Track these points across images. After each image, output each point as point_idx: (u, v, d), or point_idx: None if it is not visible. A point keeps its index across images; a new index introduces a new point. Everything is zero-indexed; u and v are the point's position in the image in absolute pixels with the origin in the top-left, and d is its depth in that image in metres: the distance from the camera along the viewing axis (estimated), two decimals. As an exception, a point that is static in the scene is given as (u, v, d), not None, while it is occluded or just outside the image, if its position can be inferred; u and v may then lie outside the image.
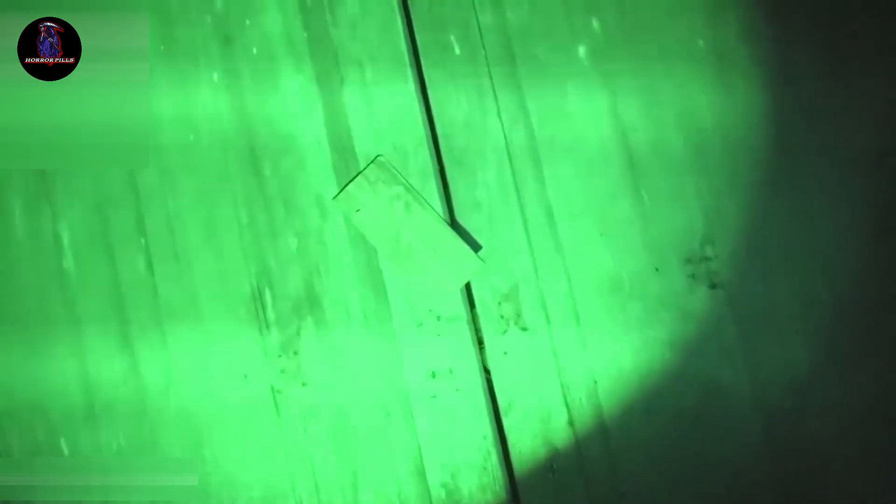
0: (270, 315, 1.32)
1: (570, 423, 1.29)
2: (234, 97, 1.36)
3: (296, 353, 1.31)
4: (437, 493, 1.28)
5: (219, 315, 1.32)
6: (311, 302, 1.32)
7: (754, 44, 1.32)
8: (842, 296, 1.27)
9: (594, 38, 1.34)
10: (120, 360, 1.32)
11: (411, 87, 1.34)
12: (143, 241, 1.34)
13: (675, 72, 1.33)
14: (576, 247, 1.31)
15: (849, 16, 1.31)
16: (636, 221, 1.31)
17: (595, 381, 1.29)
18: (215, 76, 1.36)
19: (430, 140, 1.34)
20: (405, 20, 1.36)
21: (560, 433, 1.28)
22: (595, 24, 1.34)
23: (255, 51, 1.37)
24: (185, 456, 1.30)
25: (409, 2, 1.36)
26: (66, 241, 1.35)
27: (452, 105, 1.34)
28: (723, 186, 1.30)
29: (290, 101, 1.35)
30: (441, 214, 1.31)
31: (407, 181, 1.33)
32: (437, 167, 1.33)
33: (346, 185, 1.33)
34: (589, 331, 1.30)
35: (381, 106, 1.34)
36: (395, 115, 1.34)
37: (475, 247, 1.31)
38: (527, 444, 1.29)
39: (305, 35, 1.36)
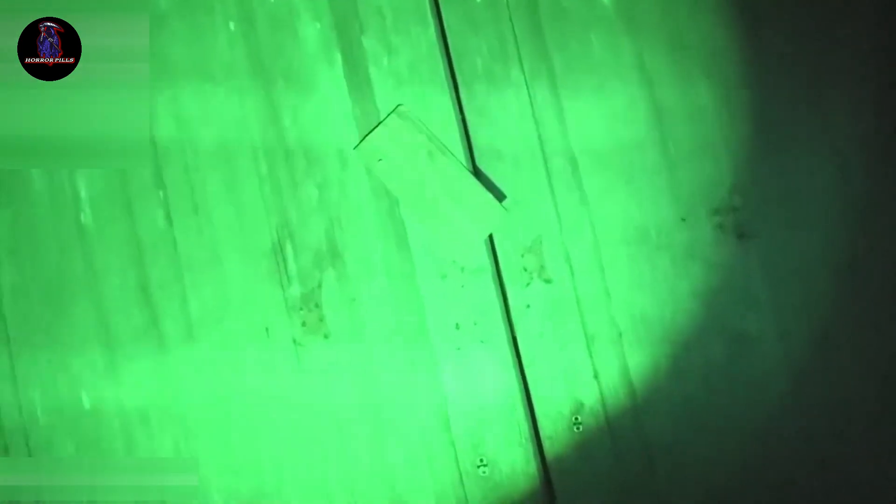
0: (292, 268, 1.30)
1: (595, 375, 1.27)
2: (250, 46, 1.33)
3: (317, 305, 1.30)
4: (462, 445, 1.27)
5: (239, 268, 1.31)
6: (332, 254, 1.30)
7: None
8: (873, 247, 1.24)
9: (619, -16, 1.31)
10: (140, 315, 1.31)
11: (432, 34, 1.31)
12: (161, 194, 1.33)
13: (701, 18, 1.29)
14: (600, 197, 1.29)
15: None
16: (662, 170, 1.28)
17: (620, 334, 1.27)
18: (232, 25, 1.34)
19: (452, 88, 1.31)
20: (425, -34, 1.33)
21: (585, 385, 1.27)
22: (620, -31, 1.30)
23: (272, -1, 1.34)
24: (206, 407, 1.29)
25: (429, -53, 1.33)
26: (83, 195, 1.34)
27: (473, 52, 1.31)
28: (751, 135, 1.27)
29: (309, 50, 1.33)
30: (464, 164, 1.29)
31: (429, 130, 1.30)
32: (459, 116, 1.31)
33: (367, 134, 1.30)
34: (614, 282, 1.28)
35: (402, 54, 1.31)
36: (416, 63, 1.31)
37: (499, 197, 1.29)
38: (551, 397, 1.27)
39: (323, -17, 1.34)
